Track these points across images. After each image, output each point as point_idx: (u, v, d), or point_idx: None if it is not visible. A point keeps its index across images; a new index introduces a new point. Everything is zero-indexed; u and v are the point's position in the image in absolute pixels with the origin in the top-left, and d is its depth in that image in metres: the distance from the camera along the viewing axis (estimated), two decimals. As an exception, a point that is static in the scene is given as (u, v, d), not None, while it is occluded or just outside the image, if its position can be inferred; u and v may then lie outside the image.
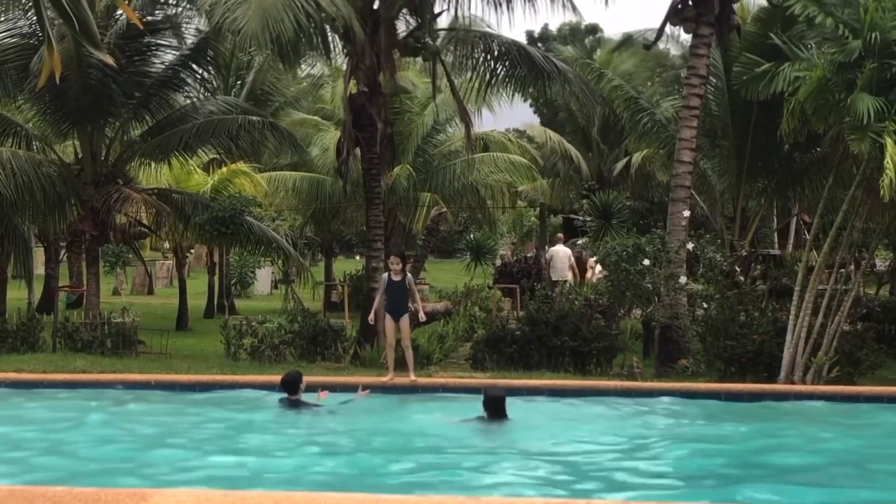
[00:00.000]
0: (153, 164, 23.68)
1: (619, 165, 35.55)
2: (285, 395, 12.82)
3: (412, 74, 29.29)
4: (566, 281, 25.06)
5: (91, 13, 7.97)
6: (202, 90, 22.65)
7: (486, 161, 30.74)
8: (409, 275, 14.93)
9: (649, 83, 31.00)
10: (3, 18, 20.07)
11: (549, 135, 38.11)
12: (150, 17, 20.26)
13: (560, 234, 31.07)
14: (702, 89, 19.28)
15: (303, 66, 32.55)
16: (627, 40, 29.67)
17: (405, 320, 14.64)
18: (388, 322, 14.70)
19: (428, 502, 5.19)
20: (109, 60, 8.80)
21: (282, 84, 33.70)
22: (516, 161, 31.22)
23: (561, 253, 26.91)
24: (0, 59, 19.68)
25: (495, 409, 11.59)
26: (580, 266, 28.25)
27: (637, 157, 32.11)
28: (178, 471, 9.22)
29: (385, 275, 15.05)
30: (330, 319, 20.39)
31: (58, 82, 9.84)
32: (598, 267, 23.25)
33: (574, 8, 21.08)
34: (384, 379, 14.63)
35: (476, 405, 11.89)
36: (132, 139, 21.90)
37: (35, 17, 19.08)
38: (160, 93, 21.54)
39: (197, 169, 28.21)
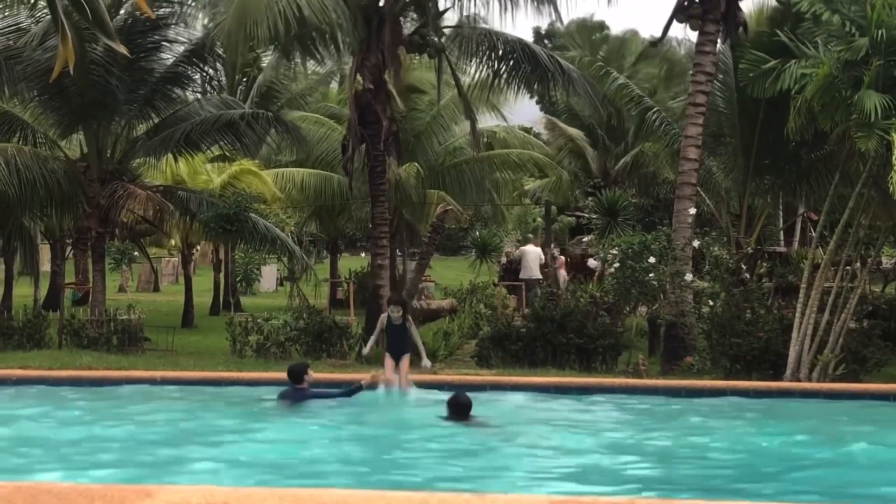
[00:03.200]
0: (160, 161, 23.66)
1: (625, 161, 35.46)
2: (286, 389, 12.80)
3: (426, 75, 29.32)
4: (539, 280, 25.82)
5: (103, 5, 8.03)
6: (207, 87, 22.66)
7: (494, 159, 30.74)
8: (410, 319, 14.33)
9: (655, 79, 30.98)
10: (6, 14, 20.08)
11: (563, 129, 38.07)
12: (155, 13, 20.28)
13: (531, 235, 31.78)
14: (708, 86, 19.26)
15: (309, 63, 32.52)
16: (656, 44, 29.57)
17: (405, 361, 13.97)
18: (388, 361, 14.07)
19: (433, 499, 5.18)
20: (123, 50, 8.84)
21: (286, 80, 33.64)
22: (525, 157, 31.23)
23: (531, 253, 27.60)
24: (4, 54, 19.68)
25: (458, 413, 11.49)
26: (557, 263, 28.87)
27: (637, 152, 32.05)
28: (184, 467, 9.23)
29: (383, 315, 14.46)
30: (335, 316, 20.40)
31: (71, 72, 9.86)
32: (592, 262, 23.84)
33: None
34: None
35: (484, 402, 11.91)
36: (137, 136, 21.91)
37: (38, 12, 19.18)
38: (164, 89, 21.55)
39: (203, 165, 28.21)
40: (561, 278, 28.51)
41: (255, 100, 31.25)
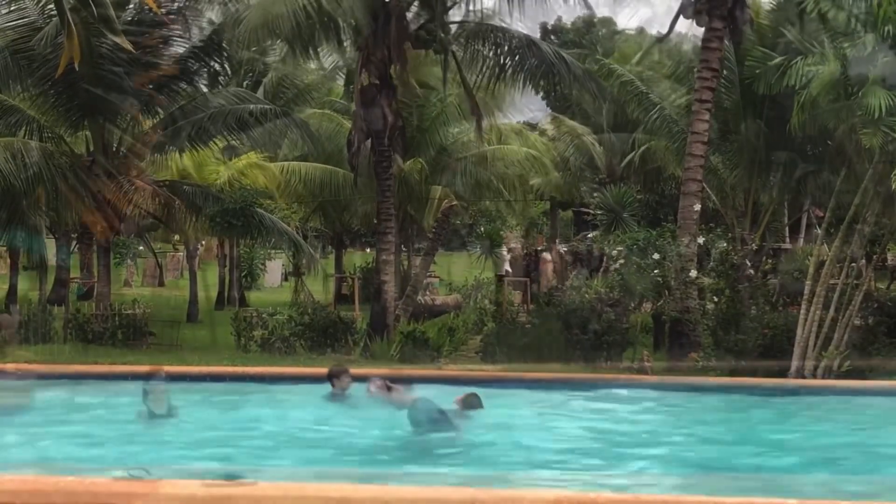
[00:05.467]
0: (166, 156, 23.68)
1: (631, 157, 35.42)
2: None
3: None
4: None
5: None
6: (214, 82, 22.69)
7: (499, 155, 30.70)
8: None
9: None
10: (13, 7, 20.11)
11: (569, 126, 38.03)
12: (163, 9, 20.32)
13: (505, 233, 32.52)
14: (714, 82, 19.23)
15: (315, 59, 32.52)
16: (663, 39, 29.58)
17: None
18: None
19: (438, 493, 5.20)
20: (128, 45, 8.89)
21: (294, 77, 33.60)
22: (528, 155, 31.20)
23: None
24: (11, 49, 19.70)
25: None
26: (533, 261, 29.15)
27: (644, 150, 32.07)
28: (191, 461, 9.24)
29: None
30: (340, 312, 20.40)
31: (77, 68, 9.88)
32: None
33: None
34: None
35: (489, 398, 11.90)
36: (143, 131, 21.93)
37: (44, 7, 19.22)
38: (171, 84, 21.54)
39: (212, 157, 28.21)
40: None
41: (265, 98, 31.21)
